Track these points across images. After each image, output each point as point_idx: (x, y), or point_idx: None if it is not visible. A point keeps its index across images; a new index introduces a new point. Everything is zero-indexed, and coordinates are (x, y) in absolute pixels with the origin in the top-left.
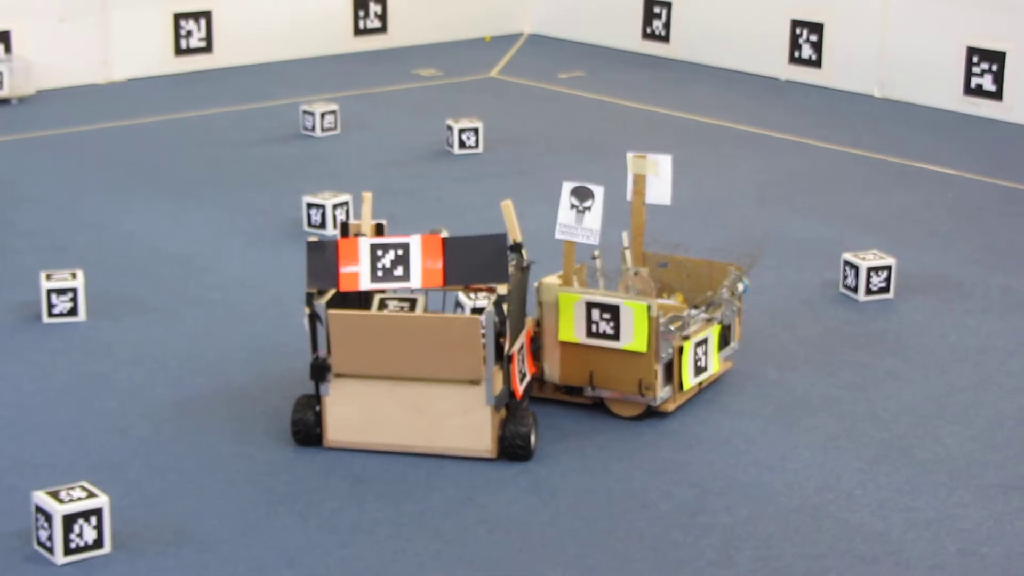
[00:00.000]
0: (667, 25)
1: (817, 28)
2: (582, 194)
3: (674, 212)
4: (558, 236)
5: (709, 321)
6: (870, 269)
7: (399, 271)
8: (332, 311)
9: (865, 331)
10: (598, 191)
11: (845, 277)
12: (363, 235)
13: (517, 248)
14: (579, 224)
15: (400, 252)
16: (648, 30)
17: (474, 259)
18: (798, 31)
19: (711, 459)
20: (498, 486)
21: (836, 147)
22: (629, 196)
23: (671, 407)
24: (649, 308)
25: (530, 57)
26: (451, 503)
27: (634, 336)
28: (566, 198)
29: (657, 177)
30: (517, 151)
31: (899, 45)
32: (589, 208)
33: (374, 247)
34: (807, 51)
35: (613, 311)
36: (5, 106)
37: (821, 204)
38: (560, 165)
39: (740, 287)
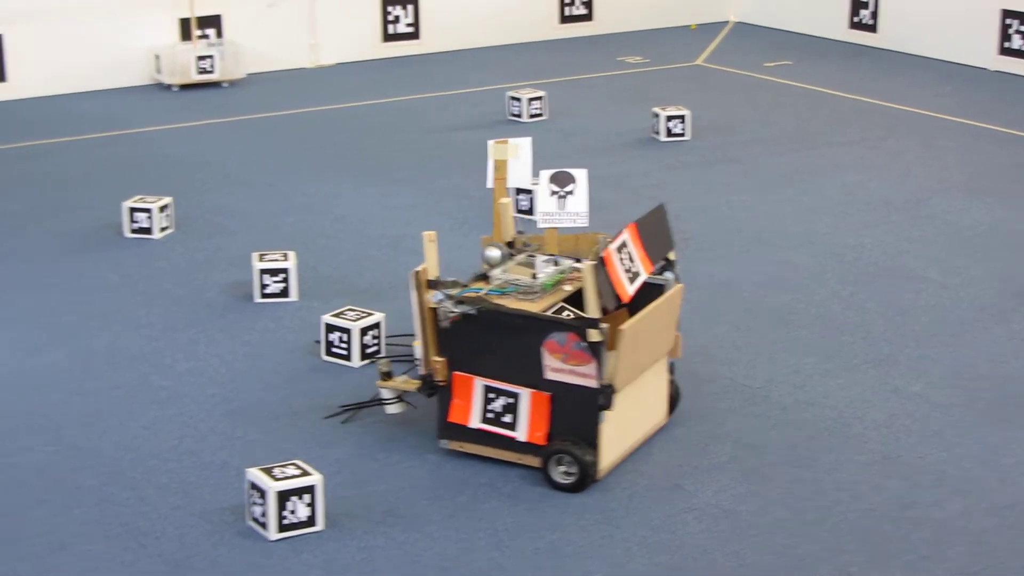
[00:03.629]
0: (875, 14)
1: None
2: (562, 179)
3: (881, 203)
4: (541, 225)
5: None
6: None
7: (636, 266)
8: (622, 327)
9: None
10: (580, 175)
11: None
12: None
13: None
14: (562, 210)
15: (628, 250)
16: (855, 19)
17: (656, 233)
18: (1008, 21)
19: (921, 452)
20: (705, 474)
21: None
22: (490, 183)
23: None
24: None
25: (736, 45)
26: (659, 490)
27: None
28: (545, 186)
29: (518, 160)
30: (724, 139)
31: None
32: (571, 192)
33: (619, 251)
34: (1017, 41)
35: None
36: (216, 89)
37: None
38: (768, 154)
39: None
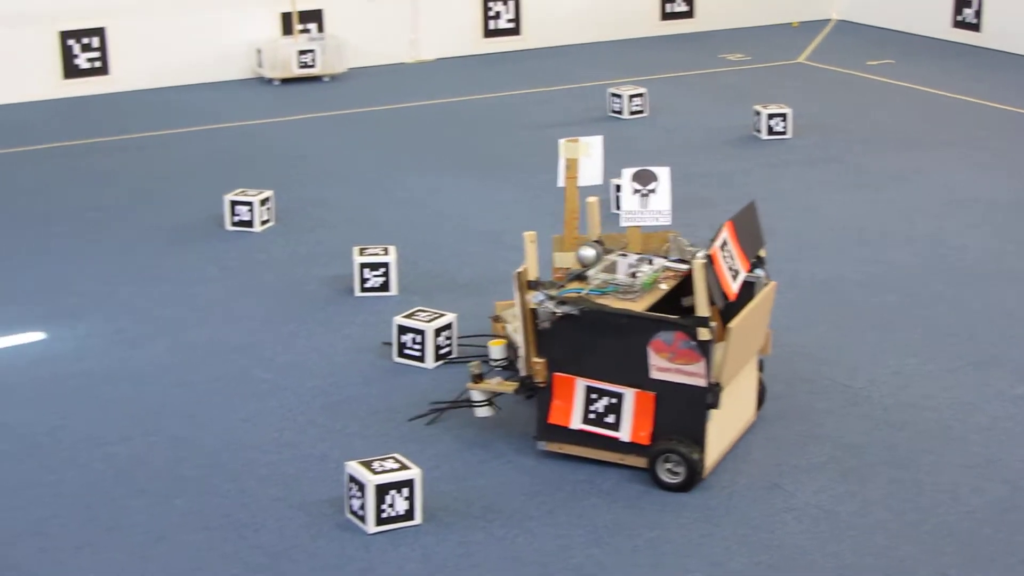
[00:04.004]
0: (978, 13)
1: None
2: (645, 177)
3: (985, 203)
4: (623, 223)
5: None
6: None
7: (736, 264)
8: (731, 324)
9: None
10: (662, 172)
11: None
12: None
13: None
14: (644, 208)
15: (729, 248)
16: (959, 18)
17: (749, 230)
18: None
19: (1022, 455)
20: (805, 474)
21: None
22: (561, 182)
23: None
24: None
25: (838, 43)
26: (758, 489)
27: None
28: (628, 184)
29: (589, 158)
30: (826, 138)
31: None
32: (653, 191)
33: (722, 249)
34: None
35: None
36: (317, 83)
37: None
38: (869, 153)
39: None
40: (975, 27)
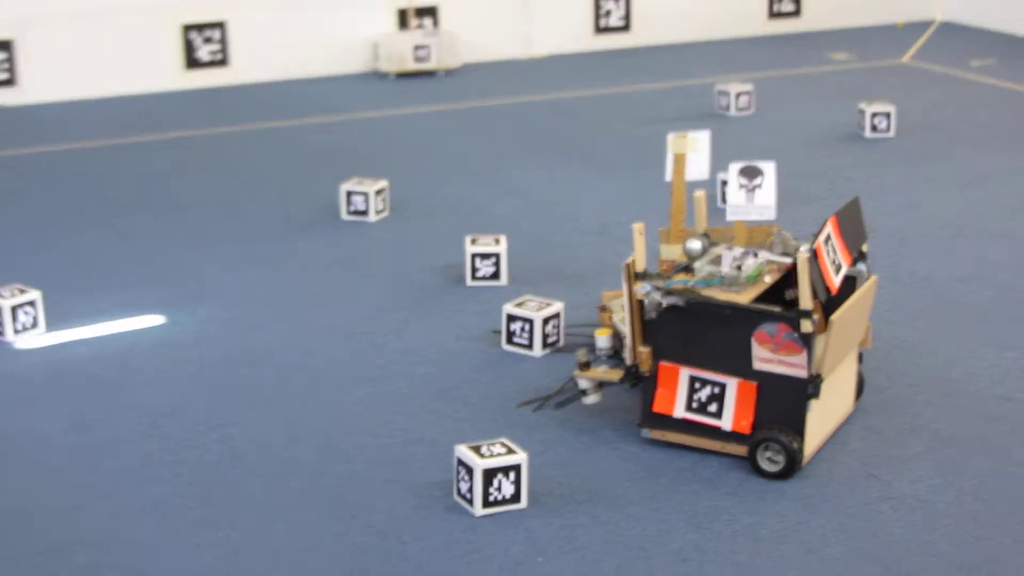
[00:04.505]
0: None
1: None
2: (751, 173)
3: None
4: (729, 217)
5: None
6: None
7: (839, 258)
8: (833, 317)
9: None
10: (768, 167)
11: None
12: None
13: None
14: (750, 202)
15: (832, 242)
16: None
17: (852, 225)
18: None
19: None
20: (901, 464)
21: None
22: (668, 176)
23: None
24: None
25: (942, 44)
26: (855, 479)
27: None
28: (734, 179)
29: (696, 153)
30: (928, 136)
31: None
32: (759, 186)
33: (825, 244)
34: None
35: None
36: (432, 78)
37: None
38: (971, 152)
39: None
40: None
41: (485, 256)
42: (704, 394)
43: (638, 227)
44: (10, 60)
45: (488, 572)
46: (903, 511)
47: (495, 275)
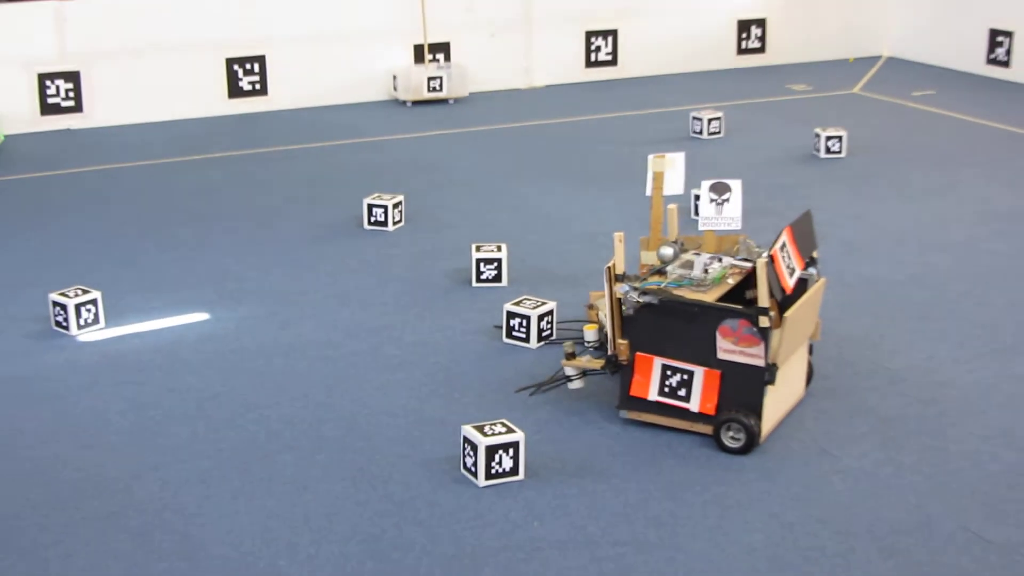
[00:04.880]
0: (1008, 52)
1: None
2: (720, 189)
3: (1011, 215)
4: (701, 227)
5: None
6: None
7: (793, 263)
8: (787, 314)
9: None
10: (735, 184)
11: None
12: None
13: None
14: (719, 215)
15: (787, 249)
16: (991, 56)
17: (805, 234)
18: None
19: None
20: (848, 442)
21: None
22: (649, 191)
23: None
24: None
25: (888, 77)
26: (809, 454)
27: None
28: (706, 194)
29: (672, 171)
30: (875, 157)
31: None
32: (728, 200)
33: (782, 251)
34: None
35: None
36: (443, 105)
37: None
38: (912, 170)
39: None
40: (1005, 64)
41: (488, 261)
42: (675, 380)
43: (618, 236)
44: (77, 89)
45: (490, 535)
46: (850, 482)
47: (497, 278)
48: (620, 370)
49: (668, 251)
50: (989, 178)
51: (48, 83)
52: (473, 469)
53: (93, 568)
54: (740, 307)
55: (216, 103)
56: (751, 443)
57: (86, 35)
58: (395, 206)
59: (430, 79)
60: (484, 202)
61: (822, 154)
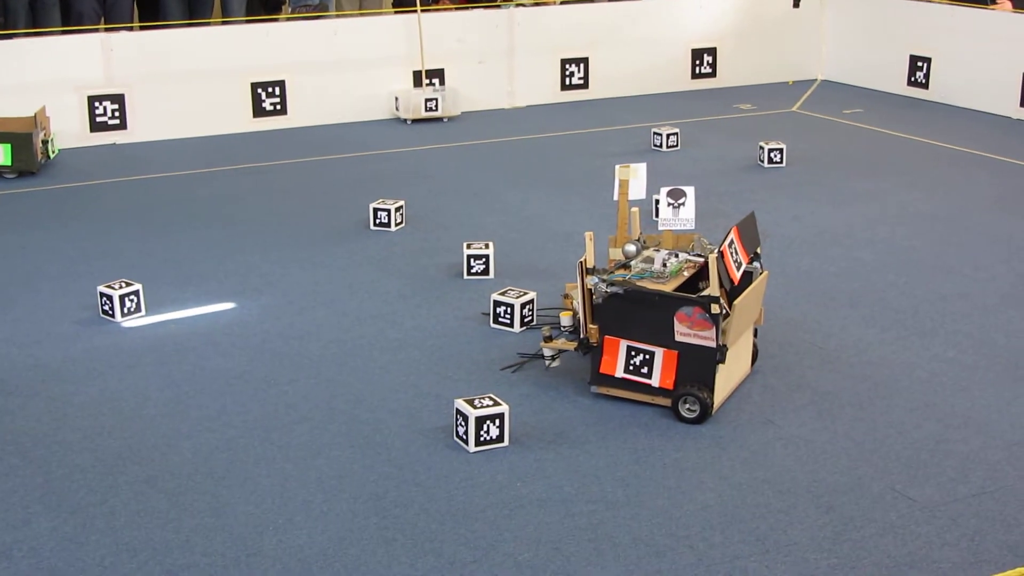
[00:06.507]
0: (927, 75)
1: None
2: (676, 194)
3: (929, 216)
4: (660, 228)
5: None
6: None
7: (739, 258)
8: (735, 303)
9: None
10: (689, 190)
11: None
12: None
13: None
14: (675, 216)
15: (735, 246)
16: (912, 78)
17: (750, 232)
18: None
19: (952, 402)
20: (790, 412)
21: None
22: (616, 196)
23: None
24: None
25: (823, 97)
26: (756, 424)
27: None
28: (664, 199)
29: (636, 179)
30: (811, 166)
31: None
32: (683, 204)
33: (729, 247)
34: None
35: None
36: (438, 123)
37: None
38: (843, 178)
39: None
40: (924, 86)
41: (478, 257)
42: (638, 360)
43: (589, 235)
44: (122, 109)
45: (479, 495)
46: (792, 448)
47: (485, 271)
48: (591, 351)
49: (632, 248)
50: (910, 185)
51: (96, 104)
52: (464, 437)
53: (133, 525)
54: (694, 296)
55: (242, 121)
56: (704, 414)
57: (129, 63)
58: (397, 210)
59: (427, 100)
60: (474, 206)
61: (765, 164)
